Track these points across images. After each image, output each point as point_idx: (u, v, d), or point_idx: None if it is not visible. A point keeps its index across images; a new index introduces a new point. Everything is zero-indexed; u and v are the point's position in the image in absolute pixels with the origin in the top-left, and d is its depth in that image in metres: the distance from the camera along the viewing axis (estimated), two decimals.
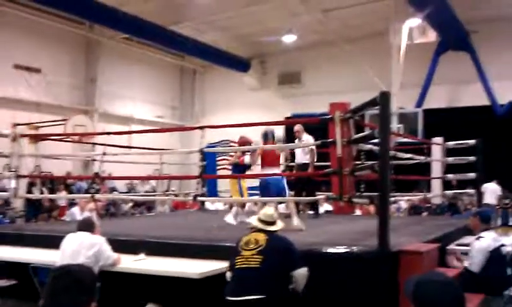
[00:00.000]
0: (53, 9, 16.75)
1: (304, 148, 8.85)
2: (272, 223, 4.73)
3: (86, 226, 5.38)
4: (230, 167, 8.68)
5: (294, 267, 4.51)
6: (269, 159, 7.36)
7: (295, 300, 4.56)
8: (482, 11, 17.32)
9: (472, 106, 18.59)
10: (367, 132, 7.98)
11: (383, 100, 5.01)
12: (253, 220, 4.80)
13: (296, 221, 7.13)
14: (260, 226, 4.70)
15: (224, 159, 21.18)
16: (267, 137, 7.62)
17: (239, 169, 8.51)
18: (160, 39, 18.76)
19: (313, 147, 8.56)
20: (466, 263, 5.89)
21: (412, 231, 6.87)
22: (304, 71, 22.26)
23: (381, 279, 4.74)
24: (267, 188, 7.26)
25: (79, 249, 5.04)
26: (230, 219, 7.96)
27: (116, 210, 15.13)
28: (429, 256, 5.06)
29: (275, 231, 4.72)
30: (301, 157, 9.02)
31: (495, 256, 5.83)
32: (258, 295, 4.29)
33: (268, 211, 4.82)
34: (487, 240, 5.89)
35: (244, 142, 8.43)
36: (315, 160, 8.92)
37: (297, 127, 9.01)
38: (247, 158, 8.35)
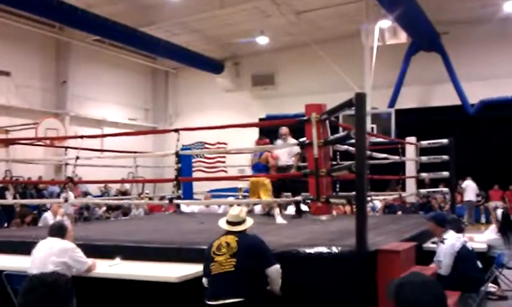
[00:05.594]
0: (22, 12, 16.45)
1: (291, 151, 8.85)
2: (240, 223, 4.68)
3: (56, 230, 5.20)
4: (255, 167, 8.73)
5: (268, 265, 4.48)
6: None
7: (274, 301, 4.55)
8: (453, 13, 17.63)
9: (443, 106, 18.95)
10: (341, 132, 8.02)
11: (359, 101, 5.01)
12: (222, 223, 4.74)
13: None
14: (228, 228, 4.65)
15: (199, 161, 21.29)
16: None
17: (265, 167, 8.55)
18: (132, 41, 18.61)
19: (299, 149, 8.62)
20: (435, 266, 5.93)
21: (388, 230, 6.91)
22: (277, 73, 22.35)
23: (359, 279, 4.75)
24: None
25: (48, 256, 4.88)
26: (280, 220, 8.04)
27: (90, 215, 14.93)
28: (407, 254, 5.09)
29: (244, 230, 4.68)
30: (287, 159, 8.97)
31: (463, 253, 5.91)
32: (236, 298, 4.26)
33: (234, 211, 4.74)
34: (451, 240, 5.95)
35: (265, 142, 8.80)
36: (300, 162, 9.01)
37: (285, 130, 8.96)
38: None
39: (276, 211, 8.25)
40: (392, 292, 2.20)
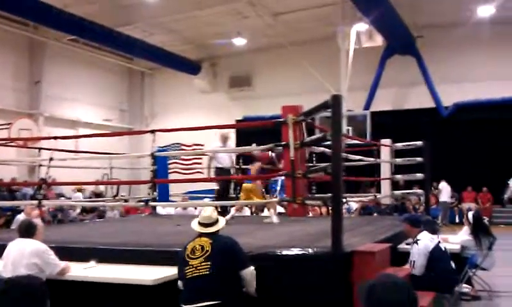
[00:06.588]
0: None
1: (231, 154, 9.33)
2: (213, 224, 4.64)
3: (26, 229, 5.08)
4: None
5: (242, 267, 4.46)
6: None
7: (250, 303, 4.54)
8: (428, 16, 17.87)
9: (417, 108, 19.17)
10: (318, 134, 8.06)
11: (335, 102, 5.03)
12: (194, 225, 4.70)
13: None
14: (201, 229, 4.62)
15: (175, 163, 21.18)
16: None
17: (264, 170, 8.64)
18: (107, 41, 18.42)
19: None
20: (409, 267, 5.98)
21: (364, 232, 6.96)
22: (254, 75, 22.37)
23: (335, 280, 4.77)
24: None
25: (20, 258, 4.78)
26: (275, 219, 8.24)
27: (64, 217, 14.70)
28: (382, 255, 5.13)
29: (217, 231, 4.65)
30: (228, 163, 9.26)
31: (436, 254, 5.98)
32: (212, 301, 4.24)
33: (206, 213, 4.70)
34: (424, 241, 6.02)
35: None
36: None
37: (228, 133, 9.29)
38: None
39: (271, 211, 8.41)
40: (364, 294, 2.21)
